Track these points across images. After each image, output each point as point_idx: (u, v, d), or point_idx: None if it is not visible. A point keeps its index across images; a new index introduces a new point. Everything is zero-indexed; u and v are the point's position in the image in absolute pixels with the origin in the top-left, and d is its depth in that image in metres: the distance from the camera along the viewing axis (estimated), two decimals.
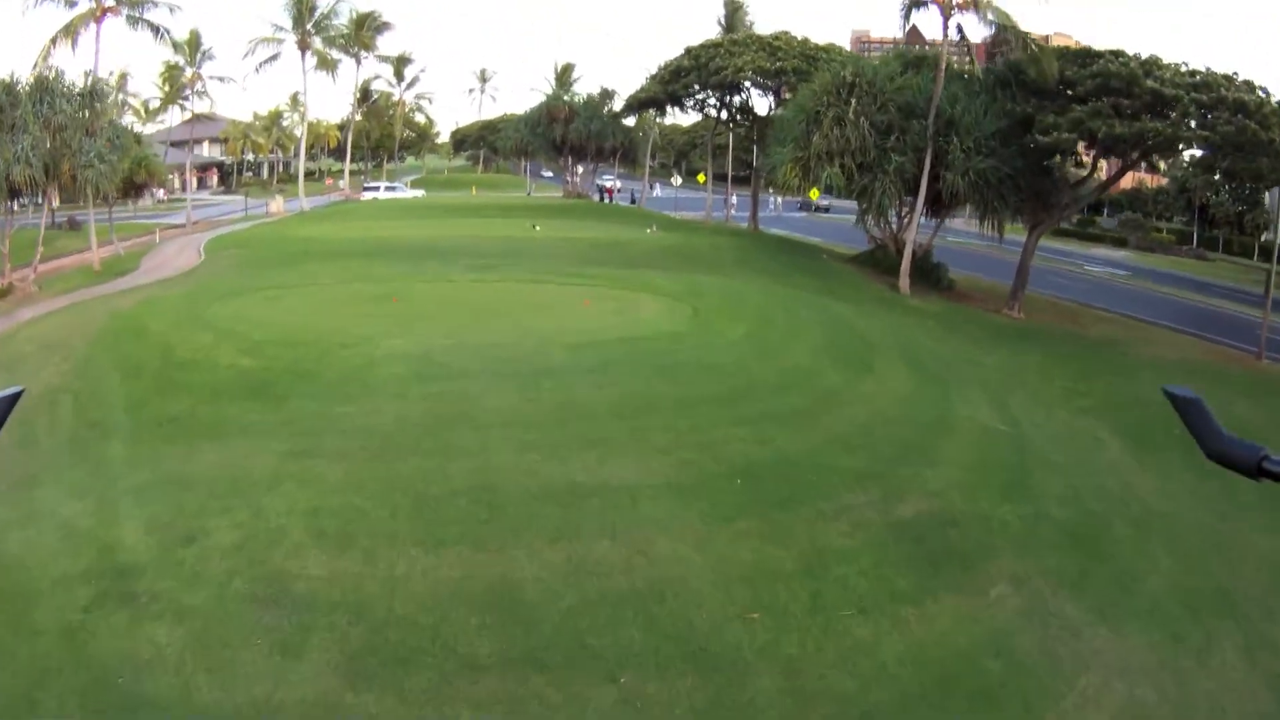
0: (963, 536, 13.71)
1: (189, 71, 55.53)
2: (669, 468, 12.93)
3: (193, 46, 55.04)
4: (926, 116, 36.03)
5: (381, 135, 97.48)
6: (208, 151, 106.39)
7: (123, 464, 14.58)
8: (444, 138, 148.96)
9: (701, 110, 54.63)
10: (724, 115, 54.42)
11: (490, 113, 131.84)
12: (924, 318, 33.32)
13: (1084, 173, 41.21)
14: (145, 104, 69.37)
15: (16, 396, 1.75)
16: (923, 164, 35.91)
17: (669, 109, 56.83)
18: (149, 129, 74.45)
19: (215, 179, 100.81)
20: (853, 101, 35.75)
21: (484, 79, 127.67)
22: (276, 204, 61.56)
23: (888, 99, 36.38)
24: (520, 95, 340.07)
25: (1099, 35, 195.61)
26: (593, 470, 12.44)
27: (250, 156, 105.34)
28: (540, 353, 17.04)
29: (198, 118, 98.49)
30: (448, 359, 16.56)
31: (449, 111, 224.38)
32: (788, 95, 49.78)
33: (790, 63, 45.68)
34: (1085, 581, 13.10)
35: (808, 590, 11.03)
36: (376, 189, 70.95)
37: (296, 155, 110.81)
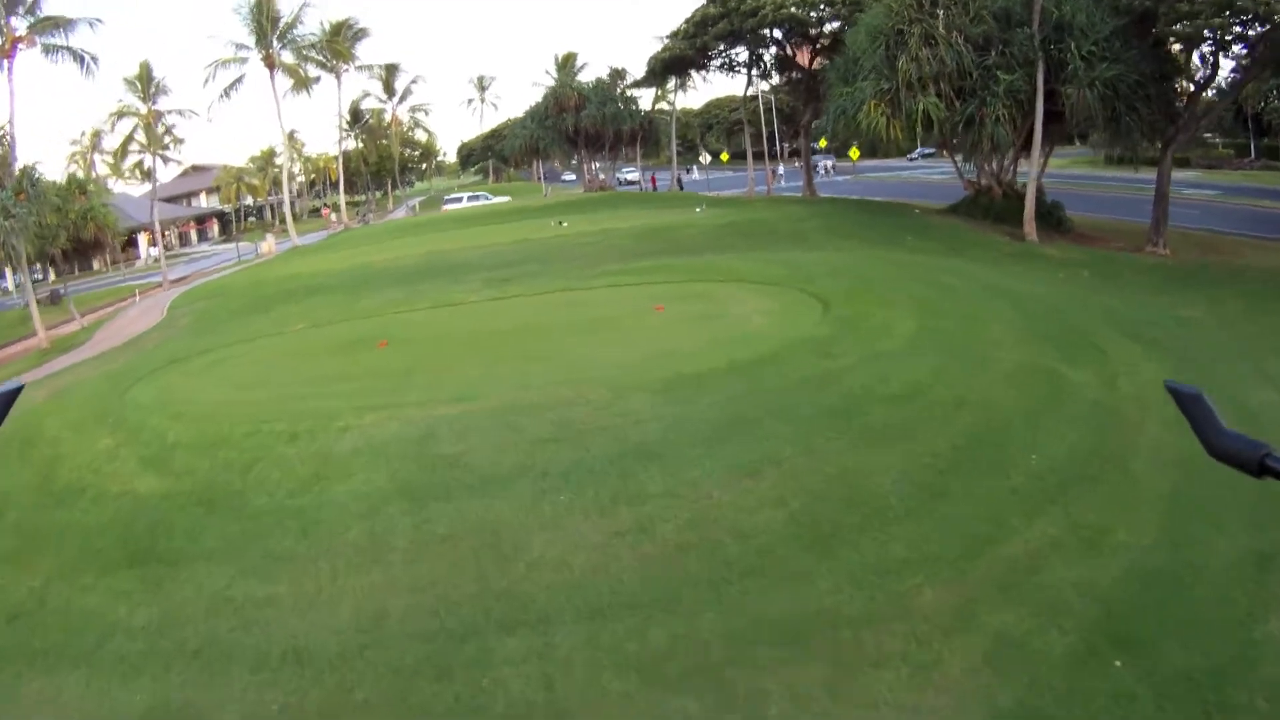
0: None
1: (143, 109, 48.77)
2: (983, 681, 5.59)
3: (144, 81, 48.37)
4: (1029, 23, 28.51)
5: (380, 158, 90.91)
6: (205, 202, 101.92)
7: None
8: (451, 158, 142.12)
9: (731, 70, 46.87)
10: (755, 74, 46.97)
11: (494, 121, 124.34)
12: (1074, 269, 25.91)
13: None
14: (138, 165, 63.86)
15: (17, 391, 1.63)
16: (1035, 80, 28.33)
17: (693, 76, 49.34)
18: (144, 188, 69.25)
19: (216, 229, 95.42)
20: (940, 14, 28.20)
21: (483, 86, 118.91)
22: (268, 244, 55.15)
23: (980, 7, 28.79)
24: (522, 96, 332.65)
25: None
26: None
27: (250, 201, 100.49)
28: (617, 411, 9.73)
29: (193, 170, 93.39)
30: (459, 447, 9.28)
31: (451, 132, 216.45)
32: (823, 44, 42.37)
33: None
34: None
35: None
36: (459, 200, 64.03)
37: (298, 193, 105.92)
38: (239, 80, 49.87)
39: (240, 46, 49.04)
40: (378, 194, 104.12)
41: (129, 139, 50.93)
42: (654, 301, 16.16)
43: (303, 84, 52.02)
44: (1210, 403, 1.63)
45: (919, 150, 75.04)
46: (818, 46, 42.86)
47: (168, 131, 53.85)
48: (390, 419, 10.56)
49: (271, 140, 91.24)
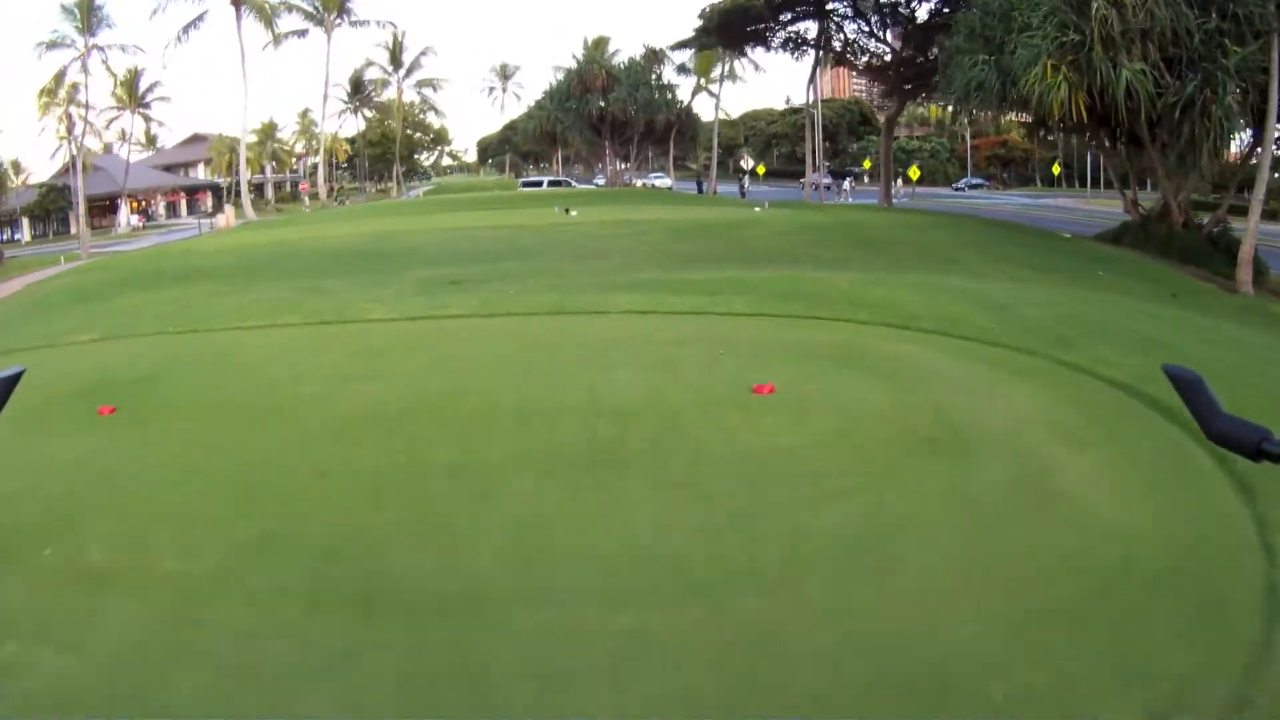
0: None
1: (81, 42, 40.43)
2: None
3: (84, 10, 40.06)
4: None
5: (383, 137, 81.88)
6: (203, 172, 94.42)
7: None
8: (472, 155, 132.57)
9: (797, 48, 37.76)
10: (825, 55, 38.07)
11: (515, 112, 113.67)
12: None
13: None
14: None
15: (18, 376, 1.59)
16: (1270, 58, 19.56)
17: (748, 54, 40.57)
18: (142, 154, 62.32)
19: (209, 201, 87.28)
20: None
21: (506, 75, 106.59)
22: (224, 219, 47.43)
23: None
24: (545, 81, 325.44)
25: None
26: None
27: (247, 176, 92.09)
28: None
29: (196, 139, 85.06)
30: None
31: (472, 129, 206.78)
32: (900, 34, 33.66)
33: None
34: None
35: None
36: (539, 184, 54.35)
37: (304, 174, 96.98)
38: (199, 19, 41.55)
39: None
40: (387, 184, 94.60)
41: (60, 75, 42.47)
42: (739, 367, 7.06)
43: (270, 26, 43.51)
44: (1208, 388, 1.54)
45: (965, 180, 66.72)
46: (910, 27, 34.03)
47: (147, 91, 46.10)
48: None
49: (275, 112, 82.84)
